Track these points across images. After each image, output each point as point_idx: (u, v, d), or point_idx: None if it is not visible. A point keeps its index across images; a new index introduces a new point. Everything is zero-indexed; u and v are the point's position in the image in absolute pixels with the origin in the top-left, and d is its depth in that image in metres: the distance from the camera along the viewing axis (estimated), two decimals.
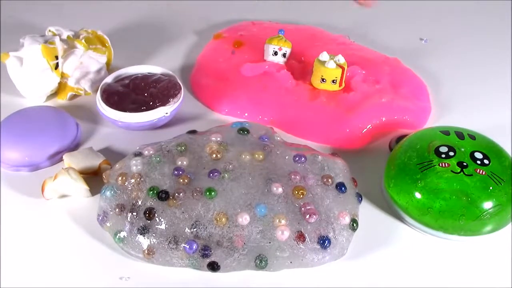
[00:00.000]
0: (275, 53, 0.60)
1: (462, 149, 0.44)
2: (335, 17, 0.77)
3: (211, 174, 0.44)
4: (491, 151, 0.45)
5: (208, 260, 0.41)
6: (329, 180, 0.44)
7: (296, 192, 0.43)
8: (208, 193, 0.42)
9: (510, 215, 0.43)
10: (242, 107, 0.58)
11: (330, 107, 0.55)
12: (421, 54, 0.69)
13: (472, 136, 0.46)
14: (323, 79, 0.57)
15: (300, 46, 0.63)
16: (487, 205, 0.42)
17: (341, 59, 0.57)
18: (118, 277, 0.41)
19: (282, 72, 0.58)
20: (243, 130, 0.48)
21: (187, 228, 0.41)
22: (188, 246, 0.41)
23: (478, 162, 0.43)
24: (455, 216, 0.42)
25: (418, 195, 0.43)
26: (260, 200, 0.42)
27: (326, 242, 0.41)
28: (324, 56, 0.57)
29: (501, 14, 0.80)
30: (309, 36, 0.67)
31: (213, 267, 0.41)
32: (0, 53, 0.56)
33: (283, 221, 0.41)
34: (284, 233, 0.40)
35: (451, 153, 0.44)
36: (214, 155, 0.45)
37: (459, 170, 0.43)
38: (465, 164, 0.43)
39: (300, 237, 0.41)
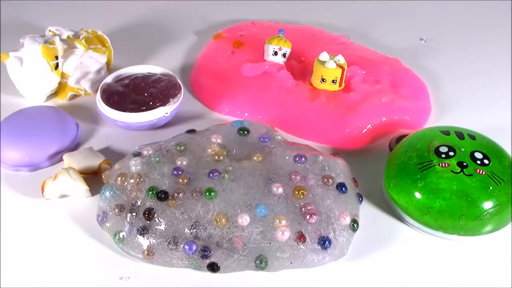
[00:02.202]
0: (275, 53, 0.60)
1: (462, 149, 0.44)
2: (335, 17, 0.77)
3: (211, 174, 0.43)
4: (491, 151, 0.45)
5: (208, 261, 0.41)
6: (330, 180, 0.44)
7: (297, 192, 0.42)
8: (208, 194, 0.42)
9: (510, 215, 0.43)
10: (242, 107, 0.58)
11: (330, 107, 0.55)
12: (421, 54, 0.69)
13: (472, 136, 0.46)
14: (323, 79, 0.57)
15: (300, 46, 0.63)
16: (487, 205, 0.42)
17: (341, 59, 0.57)
18: (118, 277, 0.41)
19: (282, 72, 0.58)
20: (243, 130, 0.48)
21: (186, 229, 0.41)
22: (187, 247, 0.40)
23: (478, 162, 0.43)
24: (455, 216, 0.42)
25: (418, 195, 0.43)
26: (260, 200, 0.42)
27: (327, 242, 0.41)
28: (324, 56, 0.57)
29: (501, 14, 0.80)
30: (309, 36, 0.67)
31: (213, 268, 0.41)
32: (0, 53, 0.56)
33: (283, 222, 0.41)
34: (284, 234, 0.40)
35: (451, 153, 0.44)
36: (216, 157, 0.45)
37: (459, 170, 0.43)
38: (465, 164, 0.43)
39: (301, 237, 0.41)
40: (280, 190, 0.42)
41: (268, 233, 0.41)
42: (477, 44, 0.73)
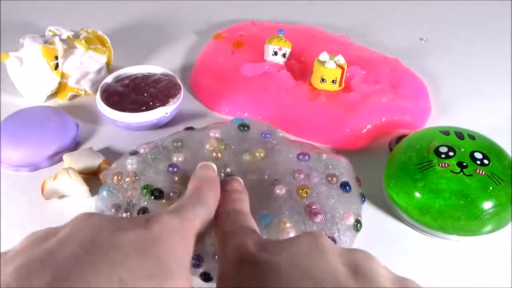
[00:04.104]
0: (275, 53, 0.60)
1: (462, 149, 0.44)
2: (335, 17, 0.77)
3: None
4: (491, 151, 0.45)
5: (200, 270, 0.39)
6: (334, 178, 0.43)
7: (300, 191, 0.42)
8: None
9: (510, 215, 0.43)
10: (242, 107, 0.58)
11: (330, 107, 0.55)
12: (421, 54, 0.69)
13: (472, 136, 0.46)
14: (323, 79, 0.57)
15: (300, 46, 0.63)
16: (487, 205, 0.42)
17: (341, 59, 0.57)
18: None
19: (282, 72, 0.58)
20: (243, 126, 0.47)
21: None
22: None
23: (478, 162, 0.43)
24: (455, 216, 0.42)
25: (417, 195, 0.43)
26: (263, 204, 0.41)
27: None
28: (324, 56, 0.57)
29: (501, 14, 0.80)
30: (309, 36, 0.67)
31: (206, 277, 0.38)
32: (0, 53, 0.56)
33: (288, 224, 0.40)
34: (290, 235, 0.39)
35: (451, 153, 0.44)
36: (214, 153, 0.44)
37: (459, 170, 0.43)
38: (465, 164, 0.43)
39: None
40: (284, 190, 0.42)
41: (272, 238, 0.39)
42: (477, 44, 0.73)
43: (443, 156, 0.44)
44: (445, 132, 0.47)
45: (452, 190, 0.42)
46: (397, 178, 0.45)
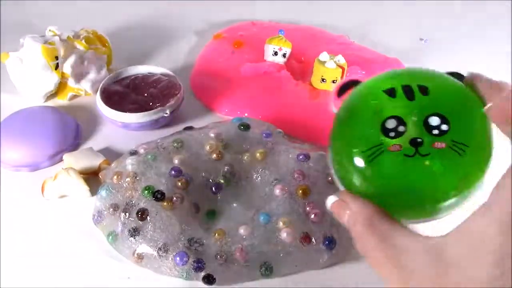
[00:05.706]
0: (275, 53, 0.60)
1: (414, 118, 0.31)
2: (335, 17, 0.77)
3: (213, 188, 0.43)
4: (451, 106, 0.32)
5: (202, 273, 0.39)
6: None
7: (300, 191, 0.42)
8: (209, 215, 0.41)
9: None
10: (242, 107, 0.58)
11: (330, 107, 0.55)
12: (421, 54, 0.69)
13: (424, 90, 0.32)
14: (323, 79, 0.57)
15: (300, 46, 0.63)
16: (450, 188, 0.30)
17: (341, 59, 0.57)
18: (118, 277, 0.41)
19: (282, 72, 0.58)
20: (243, 125, 0.47)
21: (181, 237, 0.40)
22: (178, 258, 0.39)
23: (435, 131, 0.30)
24: (417, 212, 0.31)
25: (364, 187, 0.32)
26: (263, 204, 0.41)
27: (331, 242, 0.40)
28: (324, 56, 0.57)
29: (501, 14, 0.80)
30: (309, 36, 0.67)
31: (208, 280, 0.39)
32: (0, 53, 0.56)
33: (287, 224, 0.40)
34: (289, 235, 0.40)
35: (401, 128, 0.31)
36: (214, 155, 0.44)
37: (413, 152, 0.30)
38: (419, 140, 0.30)
39: (306, 238, 0.40)
40: (283, 191, 0.42)
41: (272, 239, 0.40)
42: (477, 44, 0.73)
43: (392, 134, 0.31)
44: (390, 91, 0.32)
45: (408, 179, 0.30)
46: (343, 169, 0.34)
